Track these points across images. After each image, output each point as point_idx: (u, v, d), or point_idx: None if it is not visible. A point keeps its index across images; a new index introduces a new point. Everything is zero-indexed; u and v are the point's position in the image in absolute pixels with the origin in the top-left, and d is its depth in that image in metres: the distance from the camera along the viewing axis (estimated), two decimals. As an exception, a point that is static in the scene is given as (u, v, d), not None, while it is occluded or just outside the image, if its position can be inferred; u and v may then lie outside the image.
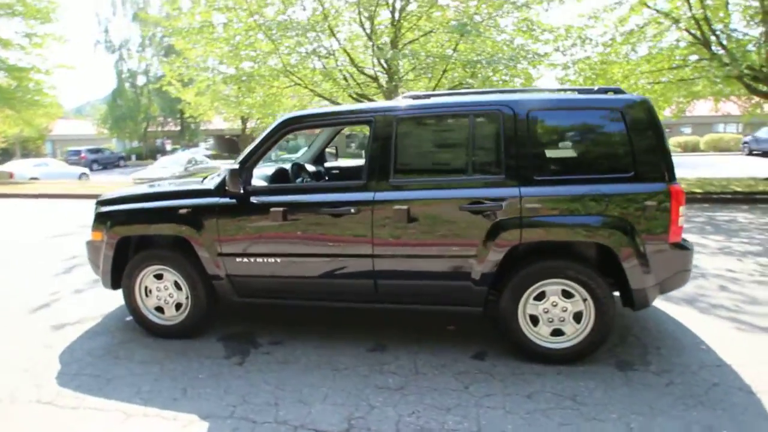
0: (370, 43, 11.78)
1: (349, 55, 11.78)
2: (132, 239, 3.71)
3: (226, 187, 3.22)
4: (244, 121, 19.40)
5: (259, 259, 3.34)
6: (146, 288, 3.65)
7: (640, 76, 11.98)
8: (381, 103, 3.33)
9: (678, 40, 11.30)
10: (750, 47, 10.32)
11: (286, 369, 3.19)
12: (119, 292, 3.75)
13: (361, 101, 12.88)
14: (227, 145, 39.99)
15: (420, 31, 12.24)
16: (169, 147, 36.41)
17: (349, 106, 3.47)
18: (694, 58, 11.08)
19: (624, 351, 3.29)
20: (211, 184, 3.52)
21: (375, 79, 12.49)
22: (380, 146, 3.15)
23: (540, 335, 3.12)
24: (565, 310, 3.07)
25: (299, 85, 12.77)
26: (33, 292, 4.90)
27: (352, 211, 3.13)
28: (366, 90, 13.20)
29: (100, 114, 36.91)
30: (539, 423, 2.56)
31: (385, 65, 12.01)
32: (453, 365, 3.17)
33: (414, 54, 10.90)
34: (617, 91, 3.09)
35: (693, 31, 10.14)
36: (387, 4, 11.57)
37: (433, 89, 12.65)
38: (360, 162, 5.90)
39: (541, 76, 13.17)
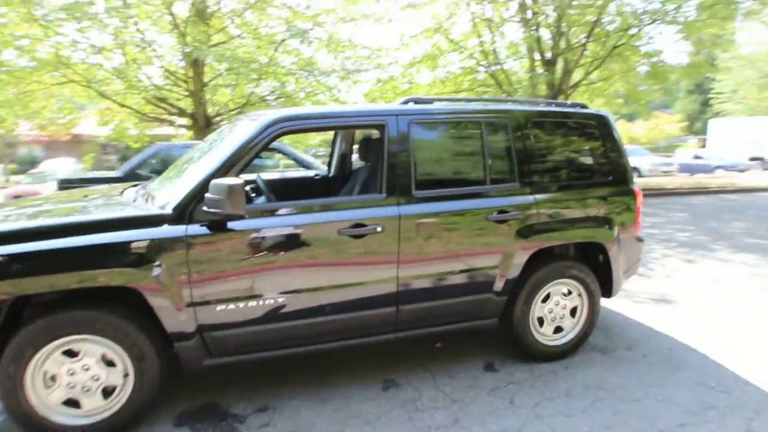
0: (174, 41, 10.31)
1: (154, 50, 10.06)
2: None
3: (210, 209, 2.35)
4: (-31, 124, 14.30)
5: (253, 302, 2.54)
6: (46, 374, 2.35)
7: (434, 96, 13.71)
8: (391, 105, 2.94)
9: (461, 68, 13.31)
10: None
11: (310, 437, 2.51)
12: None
13: (159, 106, 11.19)
14: None
15: (225, 35, 11.33)
16: None
17: (355, 106, 2.95)
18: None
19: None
20: (156, 206, 2.51)
21: (184, 81, 10.97)
22: (398, 154, 2.78)
23: (545, 335, 3.25)
24: (564, 308, 3.27)
25: (75, 82, 10.27)
26: None
27: (378, 229, 2.67)
28: (168, 94, 11.50)
29: None
30: (600, 418, 2.66)
31: (188, 67, 10.67)
32: (478, 384, 3.02)
33: (239, 59, 10.00)
34: (582, 105, 3.47)
35: (477, 58, 12.13)
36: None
37: (247, 98, 11.84)
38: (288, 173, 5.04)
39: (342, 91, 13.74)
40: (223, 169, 2.50)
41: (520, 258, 3.00)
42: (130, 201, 2.79)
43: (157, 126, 13.00)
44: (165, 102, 11.21)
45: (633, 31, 10.99)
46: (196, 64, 10.59)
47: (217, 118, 11.77)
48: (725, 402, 2.82)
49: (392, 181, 2.75)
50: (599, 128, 3.34)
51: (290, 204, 2.64)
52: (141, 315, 2.43)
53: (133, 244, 2.33)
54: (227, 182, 2.28)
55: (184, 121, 11.81)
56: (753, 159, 21.17)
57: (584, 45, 11.29)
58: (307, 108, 2.90)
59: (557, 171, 3.20)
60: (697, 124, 38.03)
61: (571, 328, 3.32)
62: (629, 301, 4.48)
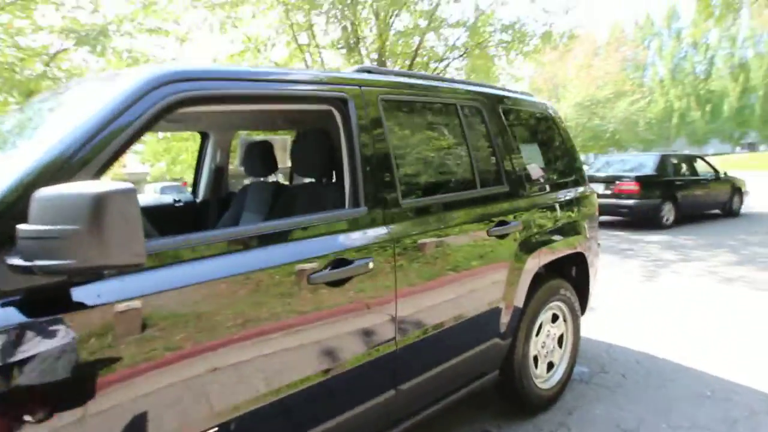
0: None
1: None
2: None
3: (36, 261, 0.96)
4: None
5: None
6: None
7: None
8: (350, 73, 1.89)
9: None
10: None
11: None
12: None
13: None
14: None
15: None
16: None
17: (299, 70, 1.75)
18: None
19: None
20: None
21: None
22: (372, 144, 1.76)
23: (541, 376, 2.55)
24: (554, 338, 2.64)
25: None
26: None
27: (370, 265, 1.59)
28: None
29: None
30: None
31: None
32: (495, 469, 2.12)
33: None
34: (530, 95, 2.97)
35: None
36: None
37: None
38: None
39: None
40: (64, 167, 1.12)
41: (525, 280, 2.26)
42: None
43: None
44: None
45: (444, 63, 11.83)
46: None
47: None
48: (738, 411, 2.53)
49: (372, 186, 1.71)
50: (554, 120, 2.87)
51: (218, 235, 1.37)
52: None
53: None
54: (91, 190, 0.94)
55: None
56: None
57: (407, 73, 11.67)
58: (221, 65, 1.56)
59: (535, 168, 2.59)
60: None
61: (560, 361, 2.69)
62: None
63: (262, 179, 2.69)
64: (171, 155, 16.36)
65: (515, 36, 11.99)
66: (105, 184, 0.96)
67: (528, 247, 2.27)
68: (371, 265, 1.59)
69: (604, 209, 8.32)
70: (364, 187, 1.69)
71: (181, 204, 2.91)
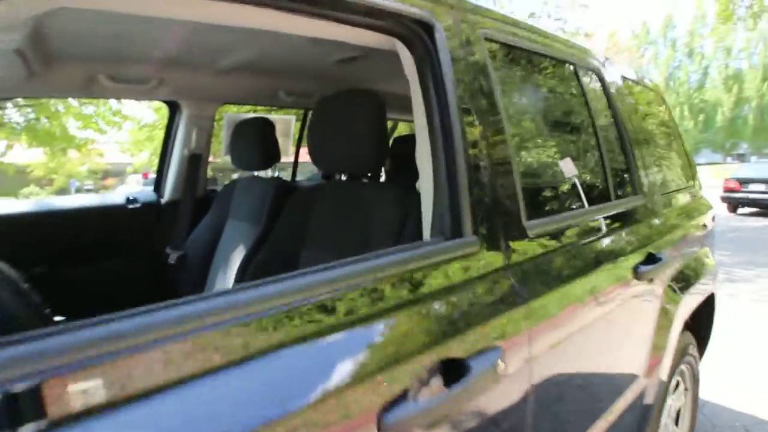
0: None
1: None
2: None
3: None
4: None
5: None
6: None
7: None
8: None
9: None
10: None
11: None
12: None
13: None
14: None
15: None
16: None
17: None
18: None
19: None
20: None
21: None
22: (481, 118, 0.92)
23: (657, 475, 1.76)
24: (671, 414, 1.85)
25: None
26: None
27: (501, 366, 0.75)
28: None
29: None
30: None
31: None
32: None
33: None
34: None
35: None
36: None
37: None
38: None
39: None
40: None
41: (672, 343, 1.45)
42: None
43: None
44: None
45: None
46: None
47: None
48: None
49: (482, 196, 0.88)
50: (664, 101, 2.09)
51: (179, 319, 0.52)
52: None
53: None
54: None
55: None
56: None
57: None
58: None
59: (659, 169, 1.78)
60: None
61: (675, 445, 1.90)
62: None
63: (256, 174, 1.86)
64: (154, 144, 15.22)
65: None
66: None
67: (675, 291, 1.47)
68: (501, 365, 0.75)
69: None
70: (470, 198, 0.85)
71: (138, 205, 2.03)
